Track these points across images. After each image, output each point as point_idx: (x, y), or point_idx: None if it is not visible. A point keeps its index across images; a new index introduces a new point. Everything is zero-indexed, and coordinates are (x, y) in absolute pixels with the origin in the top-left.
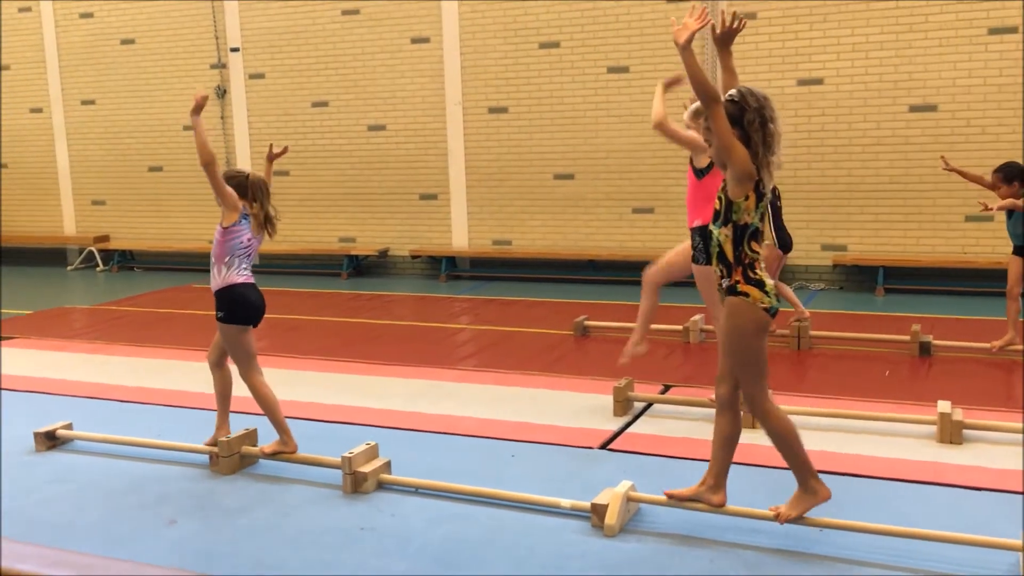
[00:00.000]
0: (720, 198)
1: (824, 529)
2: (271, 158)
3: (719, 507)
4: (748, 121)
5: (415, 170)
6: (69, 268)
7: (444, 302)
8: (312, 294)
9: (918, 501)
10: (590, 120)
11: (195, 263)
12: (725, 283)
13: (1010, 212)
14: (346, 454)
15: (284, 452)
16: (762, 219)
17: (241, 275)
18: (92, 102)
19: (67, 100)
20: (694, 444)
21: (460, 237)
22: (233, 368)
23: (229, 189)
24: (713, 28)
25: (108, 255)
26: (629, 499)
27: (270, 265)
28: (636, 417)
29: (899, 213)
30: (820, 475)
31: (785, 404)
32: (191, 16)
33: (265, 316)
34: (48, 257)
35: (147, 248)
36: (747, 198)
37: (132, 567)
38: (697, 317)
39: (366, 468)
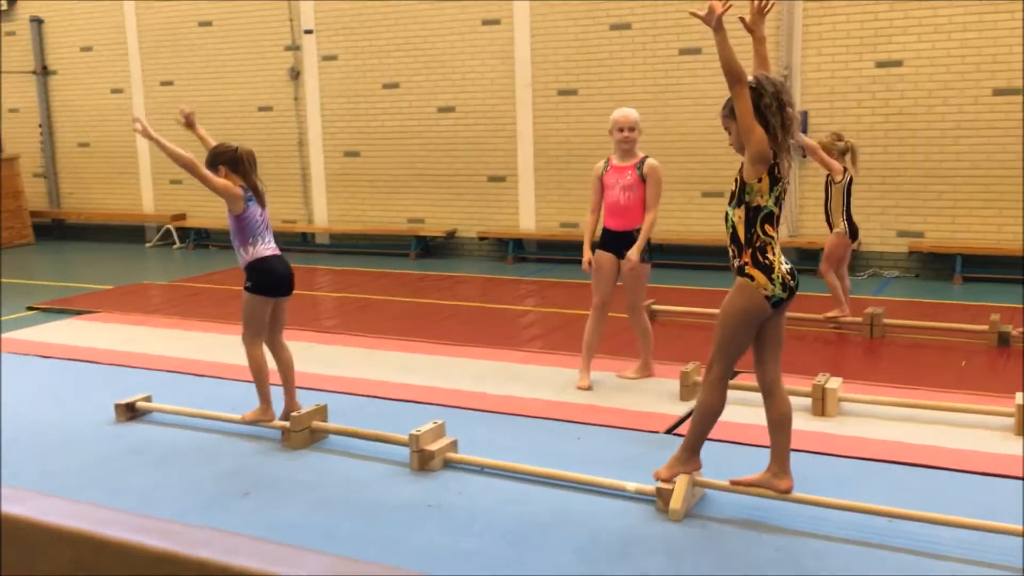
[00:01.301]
0: (736, 179)
1: (894, 520)
2: (191, 125)
3: (786, 492)
4: (765, 105)
5: (484, 152)
6: (147, 245)
7: (511, 284)
8: (381, 274)
9: (994, 494)
10: (660, 103)
11: None
12: (736, 263)
13: None
14: (414, 432)
15: (262, 420)
16: (777, 203)
17: (268, 248)
18: (171, 83)
19: (147, 81)
20: (760, 430)
21: (527, 219)
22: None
23: (223, 182)
24: (742, 20)
25: (185, 233)
26: (694, 484)
27: (340, 244)
28: None
29: (979, 199)
30: (892, 464)
31: (857, 392)
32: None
33: (336, 295)
34: (127, 234)
35: (222, 227)
36: (760, 180)
37: (214, 535)
38: None
39: (433, 446)
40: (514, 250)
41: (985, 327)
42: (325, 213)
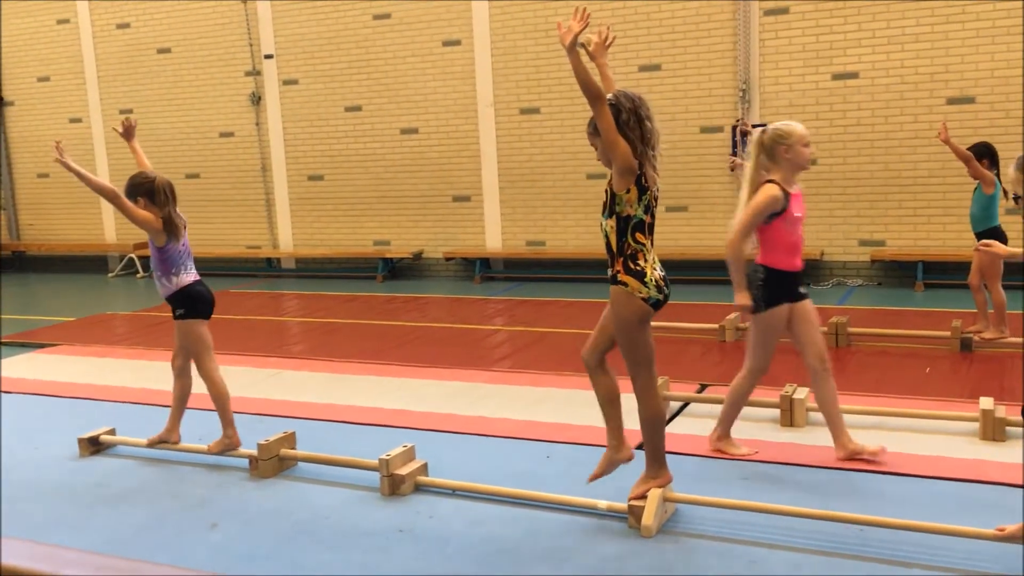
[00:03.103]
0: (606, 192)
1: (865, 528)
2: (129, 136)
3: (628, 461)
4: (623, 121)
5: (448, 172)
6: (110, 275)
7: (479, 303)
8: (348, 297)
9: (961, 499)
10: None
11: (232, 268)
12: (610, 272)
13: (975, 198)
14: (383, 456)
15: (230, 448)
16: (647, 212)
17: (191, 275)
18: (130, 111)
19: (105, 109)
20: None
21: (494, 238)
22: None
23: (144, 214)
24: (584, 46)
25: (147, 261)
26: (666, 500)
27: (306, 269)
28: (672, 417)
29: (938, 207)
30: (861, 473)
31: None
32: (225, 24)
33: (302, 320)
34: (89, 264)
35: None
36: (629, 191)
37: (175, 571)
38: (732, 315)
39: (403, 470)
40: (481, 269)
41: (947, 333)
42: (290, 238)
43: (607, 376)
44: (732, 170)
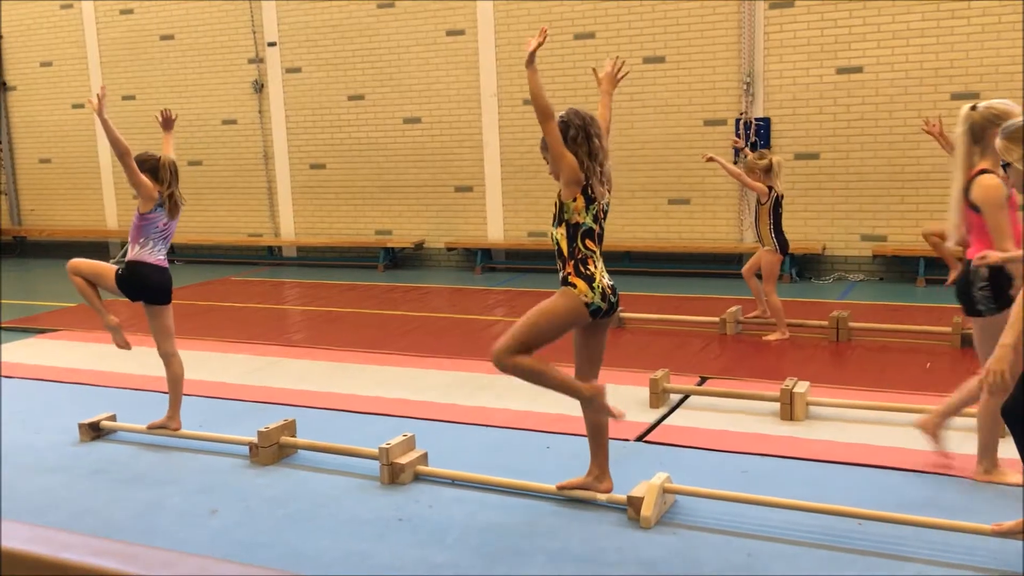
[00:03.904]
0: (555, 203)
1: (863, 522)
2: (168, 127)
3: (607, 492)
4: (571, 137)
5: (450, 162)
6: (111, 261)
7: (479, 294)
8: (349, 286)
9: (962, 494)
10: (625, 111)
11: (233, 256)
12: (560, 275)
13: None
14: (383, 445)
15: (168, 428)
16: (595, 221)
17: (153, 256)
18: (132, 97)
19: (109, 96)
20: (730, 436)
21: (495, 229)
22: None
23: (144, 179)
24: (595, 71)
25: None
26: (665, 491)
27: (308, 258)
28: (672, 409)
29: (941, 202)
30: (860, 467)
31: (824, 396)
32: (229, 12)
33: (303, 308)
34: (91, 251)
35: (186, 241)
36: (575, 200)
37: (174, 556)
38: (734, 309)
39: (403, 459)
40: (482, 260)
41: (948, 328)
42: (292, 226)
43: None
44: (737, 152)
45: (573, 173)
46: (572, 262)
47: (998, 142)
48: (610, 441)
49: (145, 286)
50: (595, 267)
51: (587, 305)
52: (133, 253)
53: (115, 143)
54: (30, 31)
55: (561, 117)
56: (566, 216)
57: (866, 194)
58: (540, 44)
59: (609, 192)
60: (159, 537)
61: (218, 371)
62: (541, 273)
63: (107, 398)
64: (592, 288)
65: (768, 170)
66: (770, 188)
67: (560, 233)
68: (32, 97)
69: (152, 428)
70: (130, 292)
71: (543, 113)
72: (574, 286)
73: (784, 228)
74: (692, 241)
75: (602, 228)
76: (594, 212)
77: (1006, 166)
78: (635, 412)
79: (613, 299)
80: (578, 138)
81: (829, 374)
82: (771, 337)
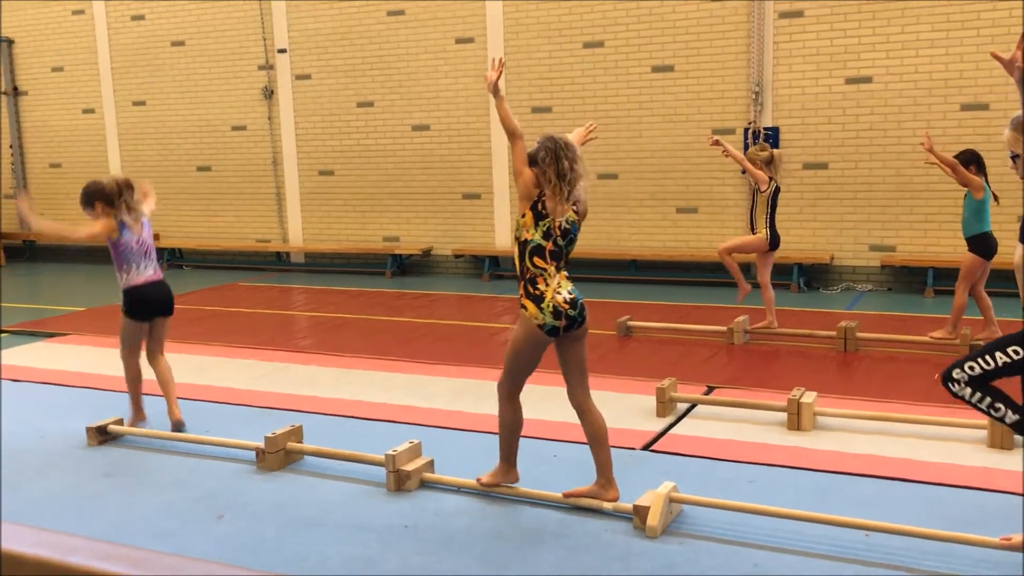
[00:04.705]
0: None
1: (870, 533)
2: None
3: (613, 501)
4: (540, 157)
5: (458, 170)
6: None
7: (487, 301)
8: (357, 292)
9: (969, 506)
10: (634, 119)
11: (241, 261)
12: (518, 295)
13: (966, 203)
14: (389, 452)
15: (137, 421)
16: (546, 237)
17: (142, 275)
18: (143, 103)
19: (119, 101)
20: (737, 446)
21: (503, 236)
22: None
23: (92, 232)
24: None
25: (158, 253)
26: (671, 501)
27: (315, 264)
28: (679, 418)
29: (950, 213)
30: (867, 478)
31: (832, 406)
32: (239, 18)
33: (311, 314)
34: (99, 256)
35: (195, 246)
36: (524, 216)
37: (180, 561)
38: (741, 318)
39: (409, 466)
40: (490, 267)
41: (957, 340)
42: (300, 232)
43: (592, 415)
44: (723, 151)
45: (525, 189)
46: (522, 282)
47: (1007, 133)
48: (616, 450)
49: (149, 304)
50: (545, 285)
51: (540, 327)
52: (124, 281)
53: (60, 238)
54: (42, 36)
55: (538, 140)
56: (517, 233)
57: (875, 204)
58: (499, 75)
59: (579, 215)
60: (165, 541)
61: (225, 376)
62: None
63: (115, 402)
64: (541, 309)
65: (769, 162)
66: (770, 179)
67: (516, 251)
68: (43, 102)
69: (174, 422)
70: (141, 315)
71: (510, 135)
72: (525, 308)
73: (790, 233)
74: (700, 250)
75: (559, 246)
76: (545, 228)
77: (1015, 157)
78: (641, 421)
79: (572, 312)
80: (546, 159)
81: (837, 384)
82: (759, 325)
